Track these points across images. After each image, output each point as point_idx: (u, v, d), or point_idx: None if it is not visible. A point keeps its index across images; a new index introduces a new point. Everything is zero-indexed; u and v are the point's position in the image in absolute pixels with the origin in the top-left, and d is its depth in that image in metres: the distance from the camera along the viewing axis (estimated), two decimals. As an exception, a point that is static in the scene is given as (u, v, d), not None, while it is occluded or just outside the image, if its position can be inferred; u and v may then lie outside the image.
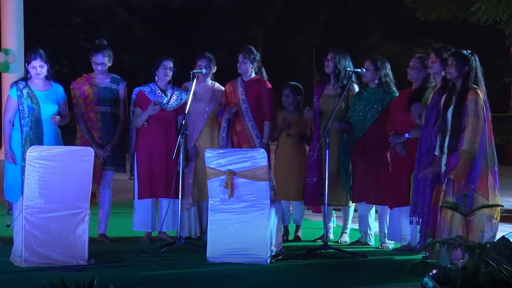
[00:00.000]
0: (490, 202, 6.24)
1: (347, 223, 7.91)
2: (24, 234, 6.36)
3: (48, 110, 7.46)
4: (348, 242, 7.78)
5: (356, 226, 7.93)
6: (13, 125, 7.48)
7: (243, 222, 6.67)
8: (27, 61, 7.56)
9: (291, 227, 8.10)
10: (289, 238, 7.96)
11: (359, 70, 7.60)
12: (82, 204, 6.51)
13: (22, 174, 7.23)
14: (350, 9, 33.56)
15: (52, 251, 6.39)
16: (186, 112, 7.38)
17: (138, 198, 7.76)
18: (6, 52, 12.53)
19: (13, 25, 12.73)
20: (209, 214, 6.80)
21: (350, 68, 7.69)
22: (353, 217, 7.94)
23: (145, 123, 7.71)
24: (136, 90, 7.86)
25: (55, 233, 6.41)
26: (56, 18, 33.77)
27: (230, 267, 6.47)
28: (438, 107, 6.71)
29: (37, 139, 7.35)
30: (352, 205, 7.87)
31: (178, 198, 7.37)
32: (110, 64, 7.84)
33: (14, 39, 12.73)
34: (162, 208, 7.73)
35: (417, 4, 15.61)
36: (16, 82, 7.57)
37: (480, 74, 6.48)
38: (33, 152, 6.45)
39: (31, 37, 13.22)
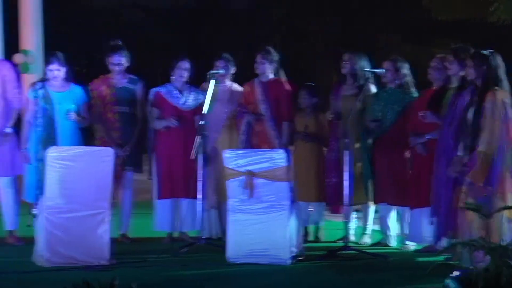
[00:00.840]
0: (509, 205, 6.19)
1: (368, 224, 7.89)
2: (45, 234, 6.39)
3: (64, 111, 7.50)
4: (369, 243, 7.76)
5: (377, 227, 7.91)
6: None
7: (263, 223, 6.66)
8: (46, 63, 7.67)
9: (311, 228, 8.09)
10: (309, 239, 7.95)
11: (378, 70, 7.58)
12: (103, 204, 6.52)
13: (36, 173, 7.29)
14: (366, 9, 33.44)
15: (73, 251, 6.41)
16: (205, 112, 7.39)
17: (159, 199, 7.78)
18: (26, 53, 12.55)
19: (32, 25, 12.73)
20: (228, 215, 6.81)
21: (367, 68, 7.67)
22: (374, 218, 7.92)
23: (163, 129, 7.74)
24: (154, 90, 7.88)
25: (76, 233, 6.43)
26: (75, 19, 33.89)
27: (250, 267, 6.47)
28: (455, 107, 6.68)
29: (50, 140, 7.37)
30: (372, 206, 7.85)
31: (198, 198, 7.38)
32: (127, 64, 7.87)
33: (34, 40, 12.73)
34: (183, 208, 7.74)
35: (433, 4, 15.53)
36: (34, 83, 7.66)
37: (501, 74, 6.37)
38: (53, 152, 6.47)
39: (50, 37, 13.22)
